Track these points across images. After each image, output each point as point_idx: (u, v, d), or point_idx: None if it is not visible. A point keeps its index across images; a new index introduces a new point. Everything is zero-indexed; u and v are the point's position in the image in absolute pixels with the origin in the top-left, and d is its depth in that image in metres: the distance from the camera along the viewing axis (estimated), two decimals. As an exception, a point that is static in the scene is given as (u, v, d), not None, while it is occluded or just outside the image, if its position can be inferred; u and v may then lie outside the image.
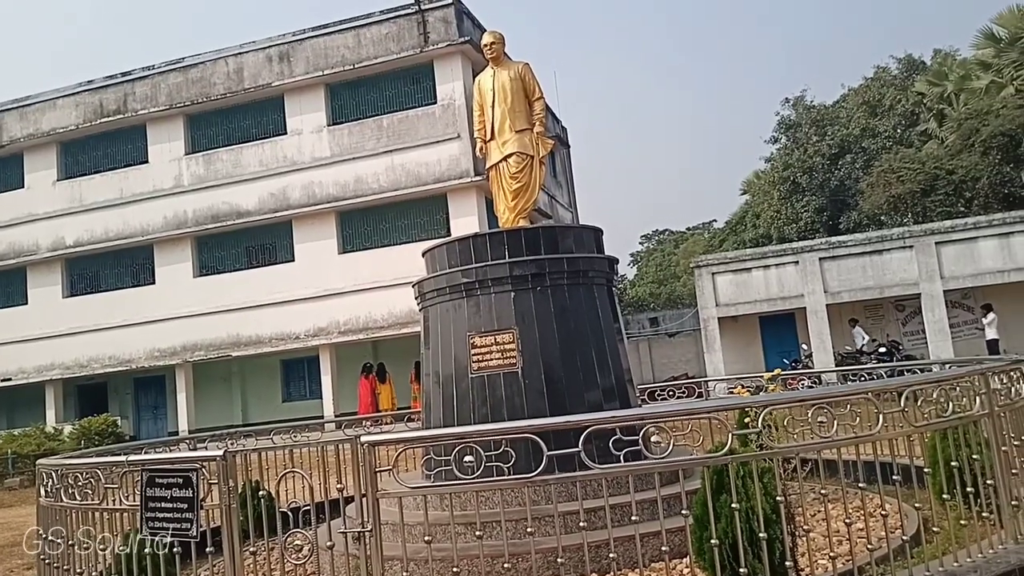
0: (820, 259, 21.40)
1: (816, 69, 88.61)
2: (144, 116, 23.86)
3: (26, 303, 24.86)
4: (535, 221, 8.46)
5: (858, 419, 3.97)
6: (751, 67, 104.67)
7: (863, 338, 21.54)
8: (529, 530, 3.66)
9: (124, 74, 24.36)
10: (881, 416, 3.90)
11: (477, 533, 3.77)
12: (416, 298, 7.52)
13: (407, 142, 21.55)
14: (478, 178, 19.87)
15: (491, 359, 6.64)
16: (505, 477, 3.76)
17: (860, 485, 3.99)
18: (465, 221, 20.69)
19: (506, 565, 3.64)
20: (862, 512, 4.13)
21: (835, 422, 3.85)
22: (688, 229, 56.43)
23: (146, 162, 24.00)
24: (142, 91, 23.96)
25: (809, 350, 21.27)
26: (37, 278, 24.81)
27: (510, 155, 7.44)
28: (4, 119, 25.24)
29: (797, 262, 21.63)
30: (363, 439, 3.97)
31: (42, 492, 5.64)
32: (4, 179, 25.38)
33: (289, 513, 4.33)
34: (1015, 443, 4.63)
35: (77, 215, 24.29)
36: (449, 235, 19.39)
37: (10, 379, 24.54)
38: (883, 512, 4.02)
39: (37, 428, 22.43)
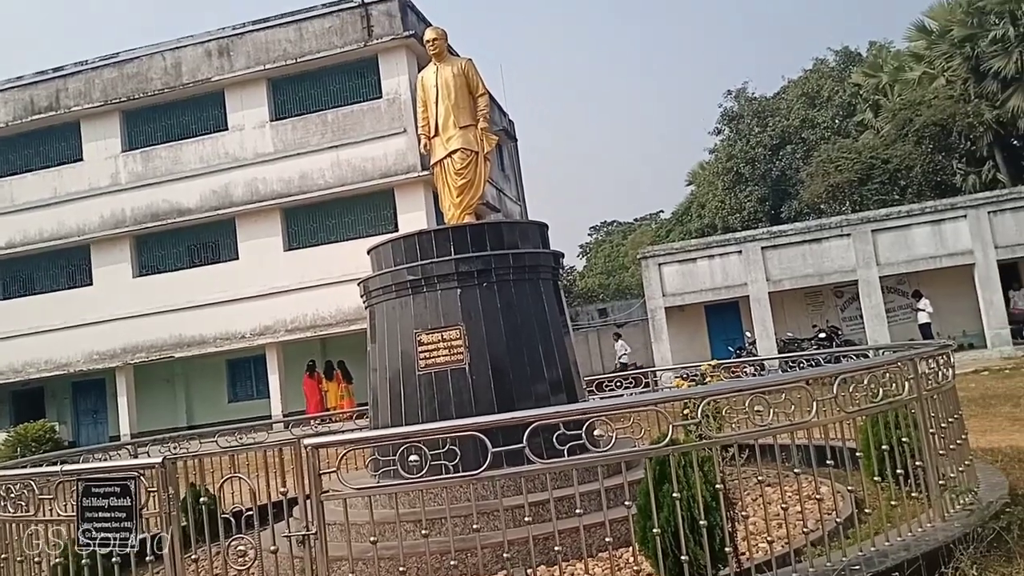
0: (762, 248, 21.92)
1: (758, 61, 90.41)
2: (78, 112, 23.07)
3: (-46, 308, 23.86)
4: (483, 215, 8.48)
5: (794, 407, 4.09)
6: (698, 58, 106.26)
7: (625, 351, 22.75)
8: (475, 526, 3.68)
9: (56, 70, 23.48)
10: (815, 403, 4.03)
11: (423, 532, 3.78)
12: (362, 296, 7.46)
13: (352, 137, 21.30)
14: (425, 173, 19.73)
15: (438, 356, 6.64)
16: (451, 475, 3.77)
17: (796, 470, 4.12)
18: (413, 216, 20.56)
19: (453, 562, 3.66)
20: (798, 496, 4.26)
21: (771, 410, 3.96)
22: (636, 220, 57.14)
23: (81, 160, 23.21)
24: (75, 87, 23.15)
25: (752, 337, 21.78)
26: (-34, 281, 23.84)
27: (454, 151, 7.43)
28: (-77, 117, 24.13)
29: (740, 251, 22.11)
30: (306, 441, 3.94)
31: (-27, 505, 5.43)
32: (-73, 179, 24.29)
33: (231, 518, 4.27)
34: (942, 425, 4.82)
35: (8, 215, 23.39)
36: (397, 230, 19.27)
37: (-62, 387, 23.57)
38: (818, 496, 4.15)
39: (-32, 437, 21.56)
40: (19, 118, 23.43)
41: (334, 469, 3.94)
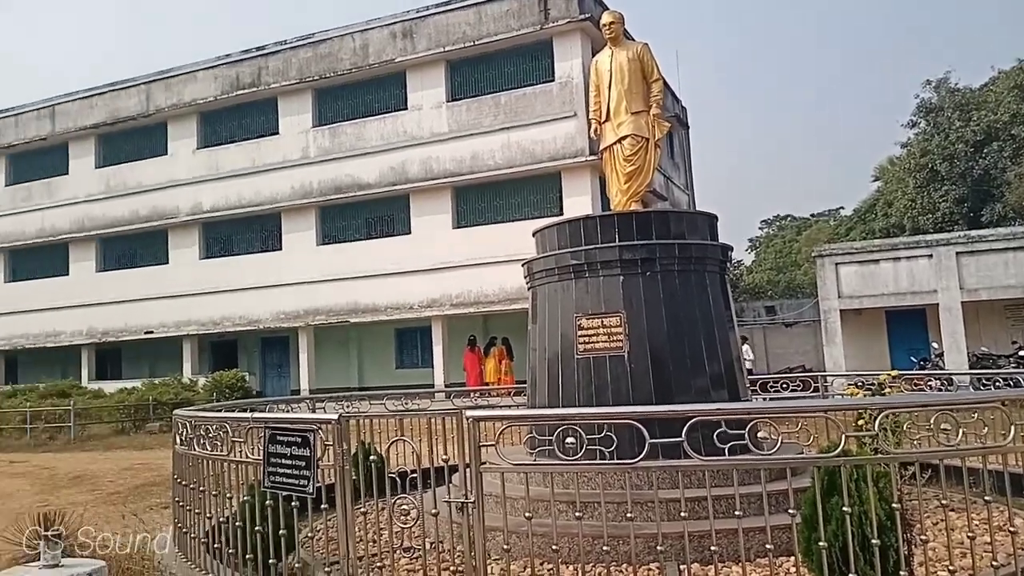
0: (957, 253, 19.99)
1: (962, 49, 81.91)
2: (276, 89, 25.01)
3: (167, 263, 26.79)
4: (650, 203, 8.37)
5: (987, 428, 3.72)
6: (889, 44, 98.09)
7: (748, 357, 20.62)
8: (629, 515, 3.67)
9: (258, 48, 25.57)
10: (1013, 427, 3.64)
11: (577, 514, 3.82)
12: (525, 277, 7.60)
13: (523, 119, 21.64)
14: (592, 157, 19.71)
15: (598, 341, 6.65)
16: (607, 461, 3.78)
17: (986, 497, 3.75)
18: (578, 200, 20.62)
19: (605, 548, 3.67)
20: (988, 526, 3.88)
21: (960, 430, 3.63)
22: (812, 216, 53.96)
23: (277, 133, 25.19)
24: (275, 65, 25.12)
25: (940, 349, 19.98)
26: (177, 240, 26.68)
27: (624, 137, 7.40)
28: (151, 89, 27.08)
29: (931, 255, 20.29)
30: (468, 414, 4.08)
31: (177, 440, 6.12)
32: (150, 146, 27.26)
33: (397, 478, 4.52)
34: None
35: (213, 182, 25.85)
36: (562, 214, 19.41)
37: (152, 332, 26.63)
38: (1012, 528, 3.76)
39: (175, 379, 24.30)
40: (226, 93, 25.78)
41: (493, 443, 4.06)
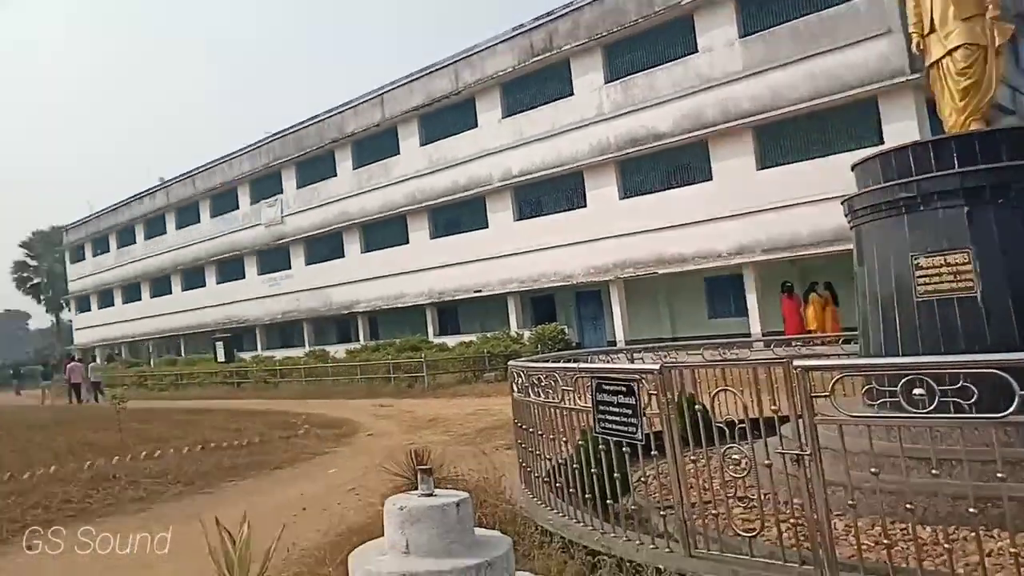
0: None
1: None
2: (567, 52, 25.70)
3: (487, 227, 29.25)
4: (994, 121, 7.13)
5: None
6: None
7: None
8: (999, 475, 3.31)
9: (548, 14, 26.40)
10: None
11: (933, 471, 3.54)
12: (846, 215, 7.03)
13: (826, 45, 19.78)
14: (915, 76, 17.39)
15: (941, 282, 5.95)
16: (968, 415, 3.44)
17: None
18: (901, 126, 18.38)
19: (971, 510, 3.36)
20: None
21: None
22: None
23: (571, 95, 25.97)
24: (564, 28, 25.81)
25: None
26: (493, 205, 28.96)
27: (956, 48, 6.36)
28: (458, 68, 29.43)
29: None
30: (796, 363, 3.98)
31: (514, 388, 6.80)
32: (462, 121, 29.71)
33: (725, 427, 4.57)
34: None
35: (519, 148, 27.51)
36: (882, 143, 17.54)
37: (480, 291, 29.45)
38: None
39: (504, 332, 26.90)
40: (522, 62, 27.10)
41: (826, 394, 3.92)
